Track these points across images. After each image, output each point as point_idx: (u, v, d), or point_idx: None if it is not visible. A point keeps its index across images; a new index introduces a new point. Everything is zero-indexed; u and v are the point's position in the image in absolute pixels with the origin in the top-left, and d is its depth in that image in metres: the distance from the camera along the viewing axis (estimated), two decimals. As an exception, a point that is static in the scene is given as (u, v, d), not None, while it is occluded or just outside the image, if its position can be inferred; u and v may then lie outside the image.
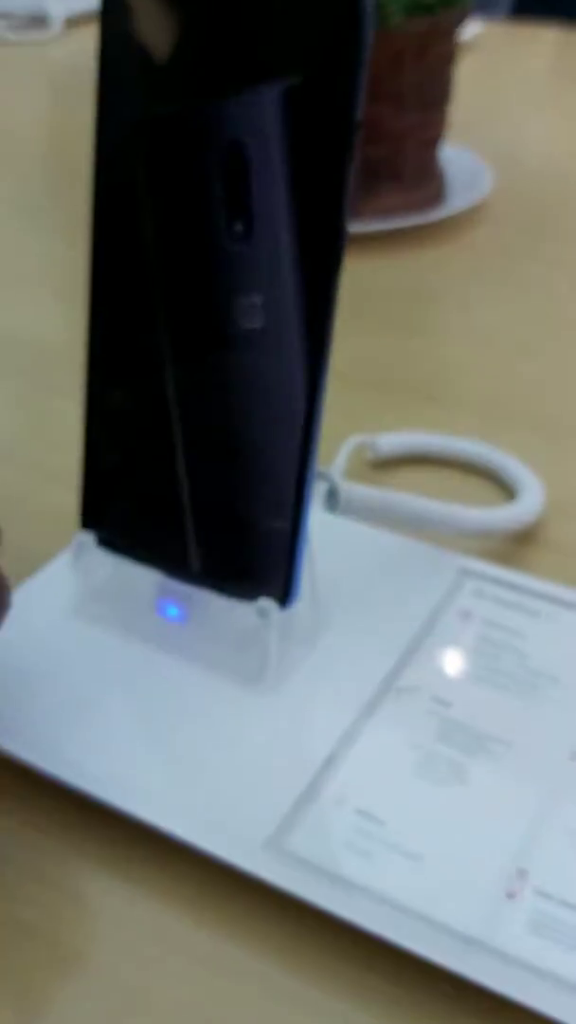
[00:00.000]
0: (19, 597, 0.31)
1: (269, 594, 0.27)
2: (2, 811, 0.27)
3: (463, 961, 0.22)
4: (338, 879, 0.24)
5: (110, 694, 0.28)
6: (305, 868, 0.24)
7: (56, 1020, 0.23)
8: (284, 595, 0.27)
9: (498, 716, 0.28)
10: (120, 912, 0.25)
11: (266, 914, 0.24)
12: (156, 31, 0.25)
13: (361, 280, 0.55)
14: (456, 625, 0.31)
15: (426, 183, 0.61)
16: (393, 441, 0.40)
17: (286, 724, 0.28)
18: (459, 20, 0.56)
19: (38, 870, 0.26)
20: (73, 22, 1.11)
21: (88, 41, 1.11)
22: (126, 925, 0.24)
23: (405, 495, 0.33)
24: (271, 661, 0.28)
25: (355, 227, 0.58)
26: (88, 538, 0.30)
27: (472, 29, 1.01)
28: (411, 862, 0.24)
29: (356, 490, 0.32)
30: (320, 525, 0.29)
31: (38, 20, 1.10)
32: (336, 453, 0.38)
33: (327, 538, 0.30)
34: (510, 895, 0.23)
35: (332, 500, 0.32)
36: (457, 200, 0.62)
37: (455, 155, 0.65)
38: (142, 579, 0.30)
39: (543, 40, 1.10)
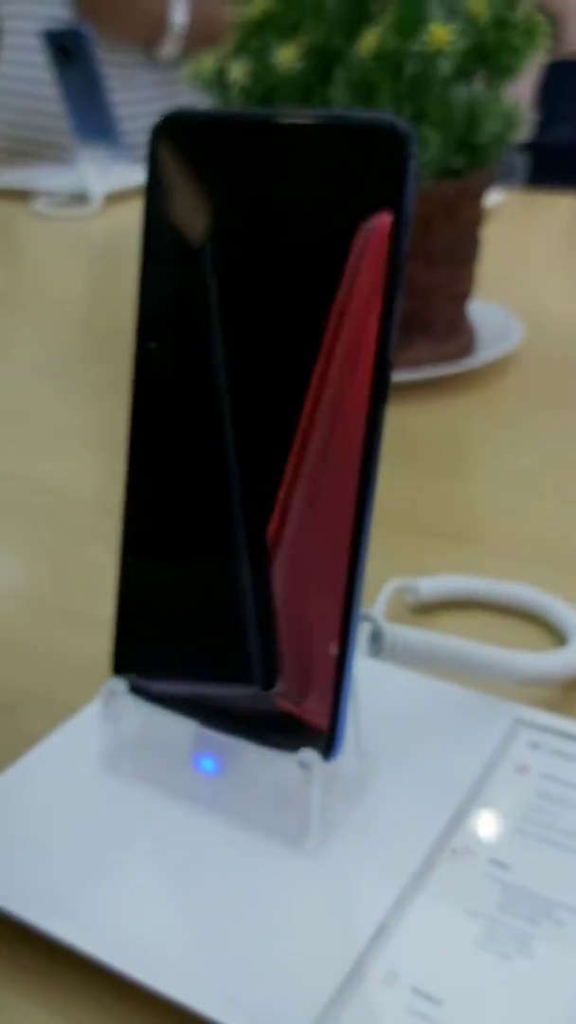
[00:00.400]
0: (45, 749, 0.29)
1: (311, 745, 0.26)
2: (20, 989, 0.24)
3: None
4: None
5: (139, 857, 0.26)
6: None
7: None
8: (328, 746, 0.26)
9: (563, 880, 0.25)
10: None
11: None
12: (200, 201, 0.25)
13: (395, 427, 0.55)
14: (512, 780, 0.28)
15: (456, 335, 0.62)
16: (434, 585, 0.39)
17: (330, 891, 0.25)
18: (486, 184, 0.58)
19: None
20: (112, 199, 1.17)
21: (125, 216, 1.17)
22: None
23: (454, 639, 0.32)
24: (313, 819, 0.26)
25: (395, 375, 0.58)
26: (120, 685, 0.28)
27: (494, 197, 1.06)
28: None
29: (401, 632, 0.31)
30: (364, 671, 0.27)
31: (79, 198, 1.17)
32: (375, 597, 0.37)
33: (372, 685, 0.28)
34: None
35: (376, 643, 0.31)
36: (487, 352, 0.62)
37: (484, 310, 0.67)
38: (175, 729, 0.28)
39: (559, 207, 1.14)
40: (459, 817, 0.27)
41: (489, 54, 0.55)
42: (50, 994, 0.24)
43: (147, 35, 1.30)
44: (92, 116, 1.20)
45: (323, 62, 0.53)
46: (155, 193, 0.26)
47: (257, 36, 0.54)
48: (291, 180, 0.24)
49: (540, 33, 0.55)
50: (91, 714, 0.30)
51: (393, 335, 0.24)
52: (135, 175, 1.21)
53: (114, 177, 1.19)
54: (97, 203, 1.15)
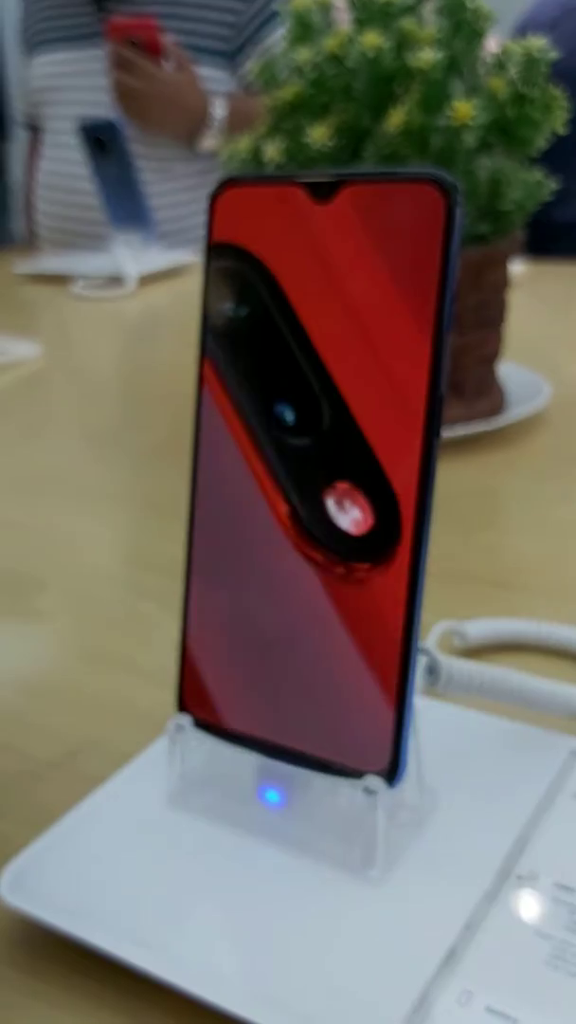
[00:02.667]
0: (113, 786, 0.30)
1: (375, 772, 0.26)
2: (89, 1017, 0.25)
3: None
4: None
5: (208, 888, 0.27)
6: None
7: None
8: (391, 773, 0.26)
9: (630, 904, 0.26)
10: None
11: None
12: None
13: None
14: (571, 807, 0.29)
15: (487, 395, 0.63)
16: (482, 627, 0.39)
17: (399, 916, 0.26)
18: (510, 250, 0.60)
19: None
20: (145, 280, 1.21)
21: (158, 296, 1.21)
22: None
23: (510, 672, 0.32)
24: (379, 847, 0.27)
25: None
26: (185, 720, 0.29)
27: (517, 267, 1.08)
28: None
29: (457, 664, 0.32)
30: (421, 706, 0.28)
31: (115, 280, 1.21)
32: (425, 640, 0.38)
33: (430, 719, 0.29)
34: None
35: (433, 676, 0.31)
36: (516, 410, 0.64)
37: (513, 371, 0.69)
38: (239, 762, 0.29)
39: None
40: (521, 844, 0.27)
41: (509, 128, 0.57)
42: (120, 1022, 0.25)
43: (190, 130, 1.36)
44: (126, 203, 1.26)
45: (353, 139, 0.55)
46: (213, 252, 0.28)
47: (290, 117, 0.57)
48: (345, 235, 0.26)
49: (557, 107, 0.58)
50: (155, 753, 0.31)
51: (444, 371, 0.25)
52: (167, 258, 1.26)
53: (147, 260, 1.24)
54: (131, 285, 1.20)
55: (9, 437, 0.75)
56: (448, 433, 0.61)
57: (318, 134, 0.54)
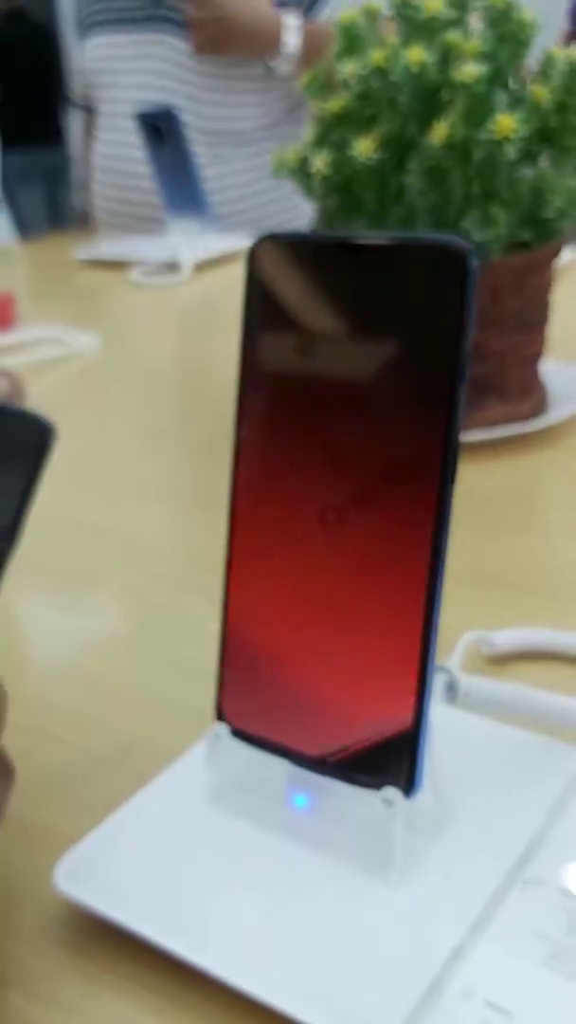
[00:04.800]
0: (157, 785, 0.33)
1: (394, 784, 0.29)
2: (134, 998, 0.28)
3: None
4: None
5: (240, 882, 0.30)
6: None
7: None
8: (408, 785, 0.29)
9: (626, 911, 0.28)
10: None
11: None
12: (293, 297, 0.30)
13: (470, 485, 0.58)
14: (568, 812, 0.31)
15: (528, 395, 0.65)
16: (508, 637, 0.42)
17: (412, 915, 0.28)
18: (553, 255, 0.62)
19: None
20: (201, 266, 1.23)
21: (213, 282, 1.23)
22: None
23: (526, 688, 0.35)
24: (396, 851, 0.29)
25: (464, 437, 0.62)
26: (223, 729, 0.32)
27: (567, 255, 1.08)
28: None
29: (476, 683, 0.34)
30: (440, 718, 0.30)
31: (171, 266, 1.24)
32: (453, 648, 0.40)
33: (447, 731, 0.31)
34: None
35: (451, 693, 0.34)
36: (559, 410, 0.65)
37: (557, 369, 0.70)
38: (272, 769, 0.31)
39: None
40: (530, 851, 0.30)
41: (552, 136, 0.58)
42: (161, 1005, 0.28)
43: (264, 51, 1.37)
44: (182, 190, 1.28)
45: (398, 151, 0.57)
46: (252, 299, 0.30)
47: (337, 129, 0.59)
48: (369, 294, 0.28)
49: (601, 115, 0.58)
50: (196, 755, 0.34)
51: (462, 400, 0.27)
52: (222, 244, 1.28)
53: (203, 246, 1.26)
54: (187, 271, 1.22)
55: (67, 430, 0.78)
56: (490, 435, 0.62)
57: (363, 147, 0.56)
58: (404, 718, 0.29)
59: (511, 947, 0.27)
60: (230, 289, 1.23)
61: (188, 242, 1.26)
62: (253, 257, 0.31)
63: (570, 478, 0.61)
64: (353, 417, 0.29)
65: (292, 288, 0.30)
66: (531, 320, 0.63)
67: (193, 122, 1.34)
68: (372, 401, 0.29)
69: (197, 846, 0.31)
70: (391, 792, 0.29)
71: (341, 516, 0.29)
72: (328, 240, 0.29)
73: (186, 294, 1.20)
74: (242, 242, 1.31)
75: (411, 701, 0.29)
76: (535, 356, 0.65)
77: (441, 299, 0.27)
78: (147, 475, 0.68)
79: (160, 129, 1.23)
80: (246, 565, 0.31)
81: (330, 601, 0.30)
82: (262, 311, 0.30)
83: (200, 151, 1.31)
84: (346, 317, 0.29)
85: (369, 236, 0.28)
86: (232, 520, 0.32)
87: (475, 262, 0.27)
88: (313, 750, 0.30)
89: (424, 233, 0.28)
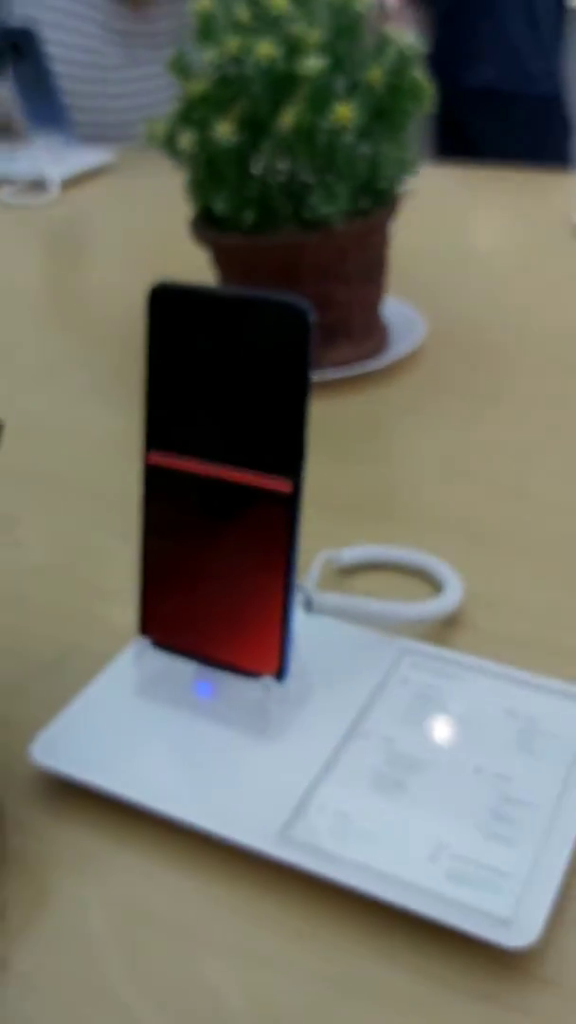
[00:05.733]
0: (99, 684, 0.45)
1: (269, 674, 0.42)
2: (89, 828, 0.41)
3: (404, 898, 0.36)
4: (326, 855, 0.37)
5: (162, 744, 0.42)
6: (304, 850, 0.38)
7: (151, 952, 0.36)
8: (279, 674, 0.42)
9: (426, 747, 0.42)
10: (167, 902, 0.38)
11: (277, 887, 0.38)
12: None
13: (324, 419, 0.70)
14: (398, 688, 0.45)
15: (371, 337, 0.76)
16: (352, 553, 0.54)
17: (284, 760, 0.41)
18: (388, 217, 0.72)
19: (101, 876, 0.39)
20: (69, 184, 1.28)
21: (82, 201, 1.29)
22: (173, 910, 0.38)
23: (360, 598, 0.48)
24: (271, 719, 0.42)
25: (317, 376, 0.73)
26: (145, 641, 0.44)
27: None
28: (371, 843, 0.38)
29: (325, 597, 0.47)
30: (300, 624, 0.43)
31: (38, 184, 1.28)
32: (311, 564, 0.52)
33: (307, 633, 0.44)
34: (432, 858, 0.37)
35: (308, 605, 0.47)
36: (398, 348, 0.77)
37: (395, 305, 0.81)
38: (183, 667, 0.44)
39: (466, 180, 1.28)
40: (364, 713, 0.43)
41: (385, 115, 0.68)
42: (111, 832, 0.40)
43: None
44: (44, 107, 1.31)
45: (253, 133, 0.66)
46: (153, 343, 0.41)
47: (200, 109, 0.67)
48: (236, 341, 0.39)
49: (426, 96, 0.69)
50: (125, 658, 0.46)
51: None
52: (89, 158, 1.32)
53: (69, 163, 1.30)
54: (55, 189, 1.26)
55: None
56: (340, 374, 0.74)
57: (223, 130, 0.65)
58: (275, 627, 0.41)
59: (351, 776, 0.40)
60: (102, 206, 1.29)
61: (53, 159, 1.30)
62: (150, 304, 0.41)
63: (408, 410, 0.73)
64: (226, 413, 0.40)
65: (182, 333, 0.40)
66: (372, 274, 0.74)
67: (105, 21, 1.34)
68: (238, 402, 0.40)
69: (132, 723, 0.43)
70: (267, 680, 0.41)
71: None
72: (202, 294, 0.39)
73: (55, 214, 1.25)
74: (108, 156, 1.35)
75: (278, 616, 0.41)
76: (376, 302, 0.77)
77: (288, 344, 0.38)
78: (28, 408, 0.77)
79: (19, 46, 1.25)
80: (156, 509, 0.43)
81: (220, 548, 0.42)
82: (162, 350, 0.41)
83: (112, 52, 1.33)
84: (217, 357, 0.39)
85: (234, 292, 0.39)
86: (144, 463, 0.42)
87: (312, 319, 0.38)
88: (213, 654, 0.43)
89: (276, 294, 0.38)
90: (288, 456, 0.39)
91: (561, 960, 0.35)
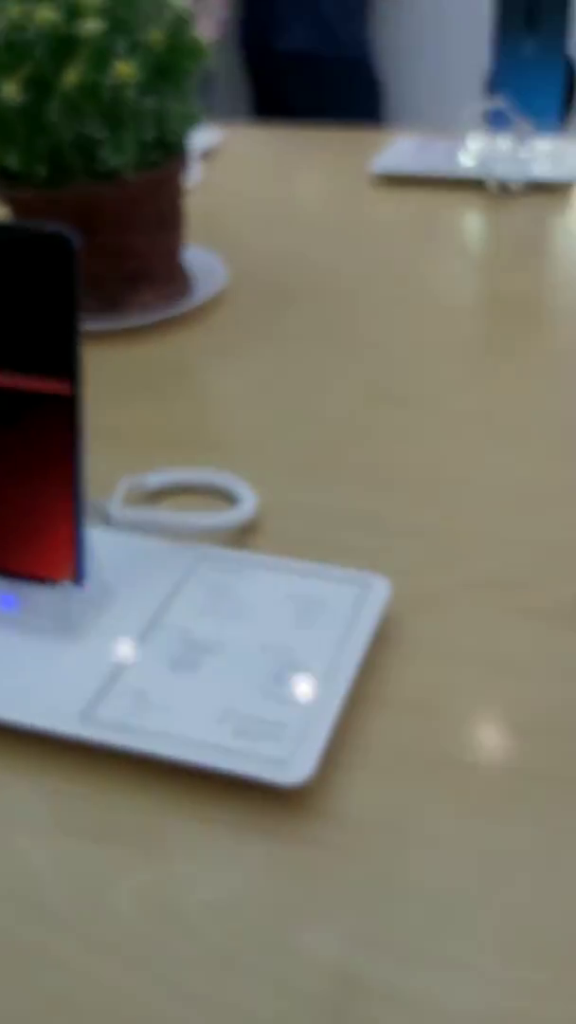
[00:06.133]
0: None
1: (68, 580, 0.46)
2: None
3: (196, 755, 0.41)
4: (125, 728, 0.42)
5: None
6: (105, 726, 0.42)
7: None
8: (77, 578, 0.46)
9: (219, 632, 0.47)
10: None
11: (87, 767, 0.42)
12: None
13: (135, 361, 0.74)
14: (194, 588, 0.50)
15: (173, 283, 0.80)
16: (156, 478, 0.59)
17: (88, 655, 0.46)
18: (178, 169, 0.76)
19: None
20: None
21: None
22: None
23: (157, 511, 0.52)
24: (76, 620, 0.46)
25: (123, 321, 0.77)
26: (-47, 562, 0.47)
27: (214, 136, 1.23)
28: (167, 714, 0.43)
29: (124, 511, 0.51)
30: (101, 537, 0.47)
31: None
32: (116, 489, 0.56)
33: (108, 546, 0.49)
34: (220, 721, 0.42)
35: (107, 520, 0.51)
36: (200, 292, 0.82)
37: (198, 253, 0.86)
38: (-10, 584, 0.47)
39: (277, 139, 1.33)
40: (162, 609, 0.48)
41: (166, 72, 0.72)
42: None
43: None
44: None
45: (40, 93, 0.69)
46: None
47: (-14, 69, 0.69)
48: (6, 265, 0.43)
49: (204, 54, 0.73)
50: None
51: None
52: None
53: None
54: None
55: None
56: (145, 319, 0.78)
57: (8, 90, 0.67)
58: (67, 532, 0.45)
59: (149, 662, 0.45)
60: None
61: None
62: None
63: (211, 351, 0.78)
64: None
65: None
66: (168, 222, 0.78)
67: None
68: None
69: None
70: (67, 585, 0.46)
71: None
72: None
73: None
74: None
75: (69, 520, 0.45)
76: (175, 249, 0.81)
77: (53, 264, 0.42)
78: None
79: None
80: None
81: (4, 457, 0.45)
82: None
83: None
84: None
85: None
86: None
87: (74, 242, 0.42)
88: (8, 564, 0.46)
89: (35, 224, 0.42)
90: (63, 359, 0.43)
91: (334, 797, 0.40)
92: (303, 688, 0.43)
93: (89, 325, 0.77)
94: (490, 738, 0.43)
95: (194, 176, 1.11)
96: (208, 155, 1.19)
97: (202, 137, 1.19)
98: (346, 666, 0.44)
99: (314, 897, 0.37)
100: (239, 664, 0.45)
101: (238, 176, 1.18)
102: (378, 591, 0.48)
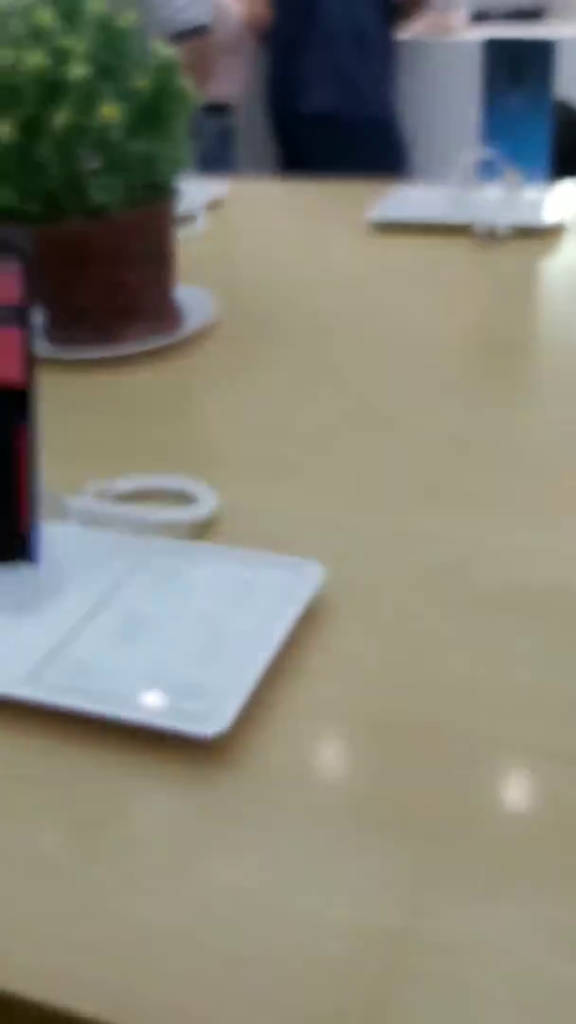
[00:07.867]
0: None
1: (22, 560, 0.49)
2: None
3: (126, 712, 0.44)
4: (64, 689, 0.45)
5: None
6: (46, 688, 0.45)
7: None
8: (31, 559, 0.49)
9: (161, 610, 0.50)
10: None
11: (35, 727, 0.45)
12: None
13: (129, 387, 0.79)
14: (144, 574, 0.53)
15: (164, 315, 0.85)
16: (126, 484, 0.63)
17: (36, 629, 0.49)
18: (165, 209, 0.82)
19: None
20: None
21: None
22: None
23: (117, 506, 0.56)
24: (32, 596, 0.50)
25: (118, 350, 0.82)
26: None
27: (220, 189, 1.30)
28: (103, 678, 0.46)
29: (86, 504, 0.55)
30: (61, 530, 0.51)
31: None
32: (86, 491, 0.60)
33: (66, 538, 0.53)
34: (153, 683, 0.45)
35: (66, 514, 0.55)
36: (191, 324, 0.87)
37: (189, 292, 0.91)
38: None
39: (281, 190, 1.39)
40: (113, 591, 0.51)
41: (153, 116, 0.78)
42: None
43: None
44: None
45: (32, 133, 0.75)
46: None
47: (-17, 113, 0.76)
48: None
49: (188, 101, 0.79)
50: None
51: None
52: None
53: None
54: None
55: None
56: (137, 348, 0.82)
57: (2, 131, 0.73)
58: (22, 514, 0.49)
59: (93, 635, 0.48)
60: None
61: None
62: None
63: (198, 378, 0.82)
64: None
65: None
66: (158, 257, 0.83)
67: None
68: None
69: None
70: (22, 565, 0.49)
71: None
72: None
73: None
74: None
75: (26, 517, 0.49)
76: (166, 284, 0.86)
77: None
78: None
79: None
80: None
81: None
82: None
83: None
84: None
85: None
86: None
87: (27, 247, 0.46)
88: (-24, 549, 0.50)
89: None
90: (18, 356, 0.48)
91: (250, 751, 0.43)
92: (229, 656, 0.46)
93: (82, 354, 0.82)
94: (399, 703, 0.45)
95: (199, 224, 1.18)
96: (214, 205, 1.26)
97: (209, 188, 1.26)
98: (272, 638, 0.47)
99: (223, 833, 0.39)
100: (175, 636, 0.48)
101: (241, 224, 1.24)
102: (311, 575, 0.51)
